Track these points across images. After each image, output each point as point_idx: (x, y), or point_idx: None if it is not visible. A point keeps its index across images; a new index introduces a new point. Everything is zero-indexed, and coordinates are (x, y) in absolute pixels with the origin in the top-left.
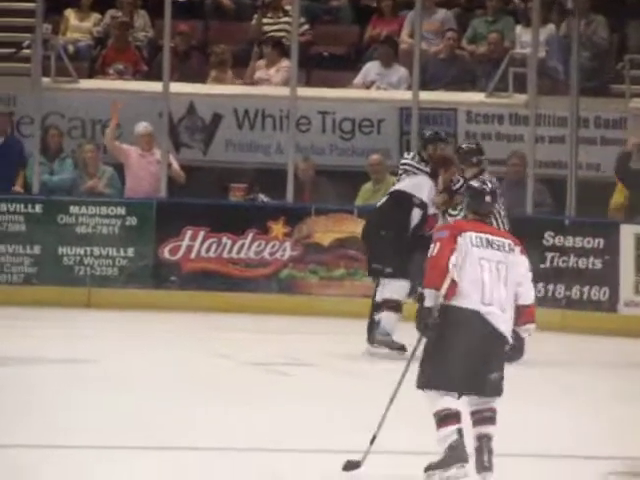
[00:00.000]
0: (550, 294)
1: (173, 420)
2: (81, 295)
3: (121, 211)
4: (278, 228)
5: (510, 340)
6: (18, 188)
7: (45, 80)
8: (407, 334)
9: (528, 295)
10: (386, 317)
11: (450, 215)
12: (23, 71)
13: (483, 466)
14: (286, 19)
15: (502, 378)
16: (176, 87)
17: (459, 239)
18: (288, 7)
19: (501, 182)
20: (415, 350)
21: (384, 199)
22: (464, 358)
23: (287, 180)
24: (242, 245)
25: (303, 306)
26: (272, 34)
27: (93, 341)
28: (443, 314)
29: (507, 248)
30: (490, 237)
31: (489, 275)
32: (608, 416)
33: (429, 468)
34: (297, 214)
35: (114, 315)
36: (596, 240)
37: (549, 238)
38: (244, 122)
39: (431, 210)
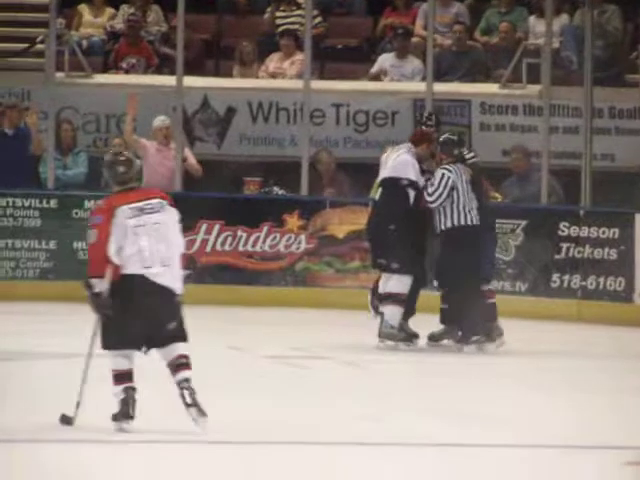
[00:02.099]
0: (566, 285)
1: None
2: None
3: None
4: (293, 221)
5: (179, 290)
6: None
7: (59, 75)
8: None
9: (177, 244)
10: (390, 311)
11: (428, 194)
12: (37, 66)
13: (188, 404)
14: (299, 12)
15: (181, 324)
16: (189, 81)
17: (114, 219)
18: (301, 0)
19: (511, 174)
20: (95, 334)
21: (380, 191)
22: (138, 318)
23: (301, 173)
24: (257, 238)
25: (319, 299)
26: (286, 27)
27: None
28: (115, 285)
29: (159, 207)
30: (141, 204)
31: (147, 239)
32: (624, 406)
33: (113, 419)
34: (312, 207)
35: None
36: (611, 230)
37: (564, 229)
38: (258, 115)
39: (421, 182)
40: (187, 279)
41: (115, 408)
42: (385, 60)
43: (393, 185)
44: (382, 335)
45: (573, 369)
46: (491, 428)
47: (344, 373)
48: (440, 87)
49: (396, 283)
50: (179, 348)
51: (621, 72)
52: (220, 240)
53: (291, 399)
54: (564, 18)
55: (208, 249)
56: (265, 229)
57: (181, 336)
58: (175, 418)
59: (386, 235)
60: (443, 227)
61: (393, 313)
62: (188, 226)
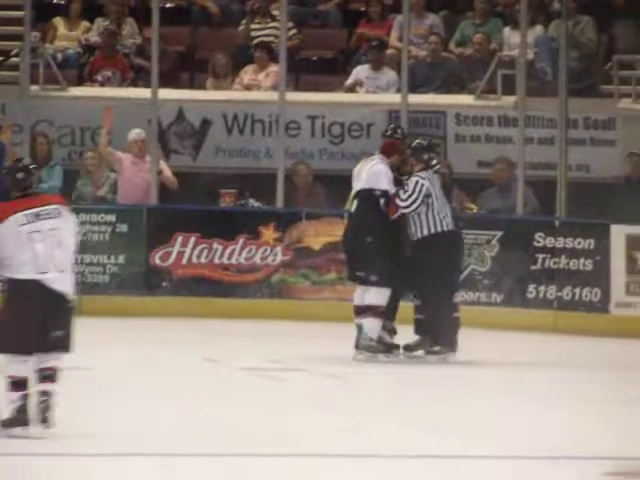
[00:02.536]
0: (542, 295)
1: (169, 426)
2: None
3: (111, 218)
4: (269, 233)
5: (72, 296)
6: None
7: (34, 88)
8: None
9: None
10: (370, 323)
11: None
12: (12, 79)
13: (42, 420)
14: (274, 24)
15: (68, 334)
16: (164, 93)
17: (3, 229)
18: (276, 12)
19: (490, 185)
20: None
21: (355, 203)
22: (29, 322)
23: (277, 185)
24: (233, 250)
25: (295, 311)
26: (260, 39)
27: (85, 348)
28: (11, 288)
29: (55, 213)
30: (38, 210)
31: (42, 245)
32: (600, 416)
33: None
34: (288, 219)
35: (106, 322)
36: (587, 241)
37: (540, 239)
38: (233, 127)
39: (392, 190)
40: (163, 290)
41: (7, 414)
42: (360, 72)
43: (368, 196)
44: (361, 347)
45: (550, 379)
46: (470, 439)
47: (321, 385)
48: (415, 98)
49: (375, 295)
50: (56, 358)
51: (595, 83)
52: (196, 252)
53: (269, 411)
54: (538, 29)
55: (184, 261)
56: (241, 241)
57: (64, 346)
58: (143, 429)
59: (364, 247)
60: (419, 235)
61: (372, 325)
62: (164, 238)
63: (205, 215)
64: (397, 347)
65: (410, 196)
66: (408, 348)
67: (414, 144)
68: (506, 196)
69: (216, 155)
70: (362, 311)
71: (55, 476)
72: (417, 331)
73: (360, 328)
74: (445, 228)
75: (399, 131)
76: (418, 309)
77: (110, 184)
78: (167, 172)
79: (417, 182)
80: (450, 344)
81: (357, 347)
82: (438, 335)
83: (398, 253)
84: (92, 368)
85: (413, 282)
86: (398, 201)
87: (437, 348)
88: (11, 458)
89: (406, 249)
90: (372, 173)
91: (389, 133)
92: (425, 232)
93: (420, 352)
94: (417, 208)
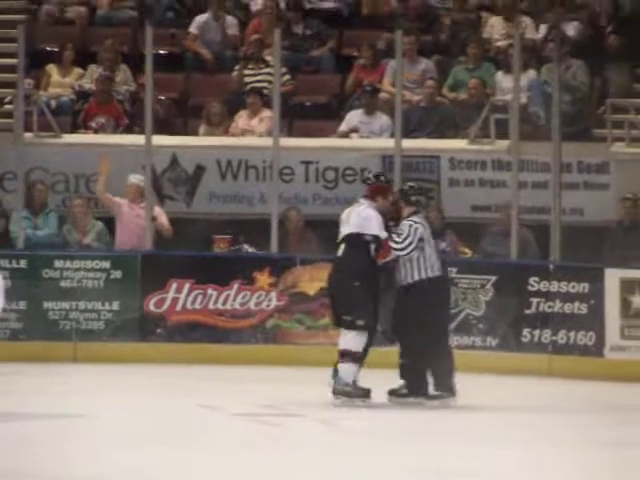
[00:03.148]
0: (536, 339)
1: (168, 473)
2: (67, 349)
3: (106, 264)
4: (263, 278)
5: None
6: None
7: (27, 135)
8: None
9: None
10: (346, 368)
11: (396, 242)
12: (5, 126)
13: None
14: (267, 70)
15: None
16: (158, 140)
17: None
18: (269, 58)
19: (486, 229)
20: None
21: (343, 247)
22: None
23: (271, 230)
24: (227, 296)
25: (290, 356)
26: (253, 85)
27: (81, 395)
28: None
29: None
30: None
31: None
32: (595, 461)
33: None
34: (282, 264)
35: (101, 369)
36: (581, 285)
37: (534, 283)
38: (227, 173)
39: (383, 235)
40: (158, 337)
41: None
42: (354, 117)
43: (357, 241)
44: (337, 392)
45: (544, 424)
46: None
47: (317, 430)
48: (409, 143)
49: (352, 340)
50: None
51: (589, 127)
52: (190, 298)
53: (264, 456)
54: (531, 73)
55: (178, 308)
56: (235, 287)
57: None
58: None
59: (351, 291)
60: (410, 280)
61: (349, 370)
62: (158, 285)
63: (199, 261)
64: (370, 391)
65: (405, 239)
66: (394, 393)
67: (404, 188)
68: (503, 242)
69: (210, 201)
70: (340, 355)
71: None
72: (403, 376)
73: (336, 373)
74: (434, 274)
75: (382, 178)
76: (403, 353)
77: (96, 232)
78: (163, 219)
79: (411, 226)
80: (449, 389)
81: (334, 392)
82: (436, 380)
83: (378, 299)
84: (87, 415)
85: (402, 327)
86: (393, 244)
87: (437, 393)
88: None
89: (387, 295)
90: (362, 218)
91: (371, 181)
92: (416, 277)
93: (419, 399)
94: (412, 251)
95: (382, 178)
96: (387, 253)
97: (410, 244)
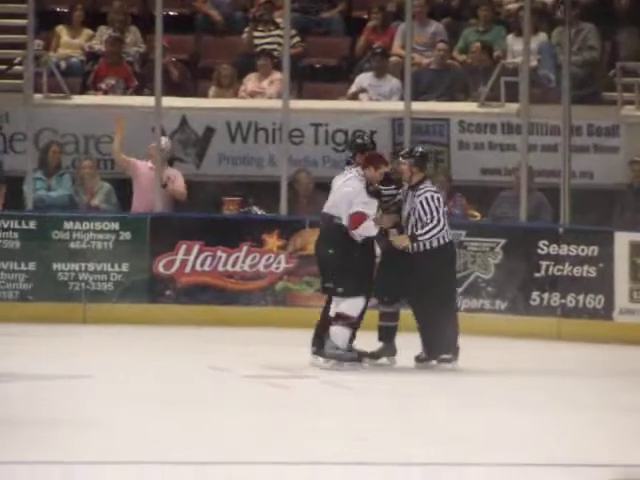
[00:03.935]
0: (545, 302)
1: (176, 434)
2: (77, 311)
3: (115, 226)
4: (272, 241)
5: None
6: None
7: (37, 96)
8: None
9: None
10: (336, 332)
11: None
12: (15, 88)
13: None
14: (277, 32)
15: None
16: (168, 101)
17: None
18: (279, 20)
19: (497, 193)
20: None
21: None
22: None
23: (281, 192)
24: (237, 258)
25: (299, 318)
26: (264, 47)
27: (90, 356)
28: None
29: None
30: None
31: None
32: (604, 424)
33: None
34: (291, 226)
35: (110, 330)
36: (590, 248)
37: (543, 247)
38: (237, 135)
39: (353, 210)
40: (167, 298)
41: None
42: (363, 79)
43: (329, 221)
44: (326, 355)
45: (553, 387)
46: (475, 448)
47: (326, 392)
48: (418, 106)
49: (345, 305)
50: None
51: (599, 90)
52: (199, 260)
53: (273, 418)
54: (542, 36)
55: (187, 270)
56: (245, 249)
57: None
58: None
59: (329, 259)
60: (428, 246)
61: (339, 334)
62: (167, 247)
63: (209, 223)
64: (365, 355)
65: (434, 216)
66: (417, 359)
67: (417, 152)
68: (515, 204)
69: (219, 163)
70: (332, 319)
71: None
72: (381, 338)
73: (327, 337)
74: (449, 238)
75: (367, 139)
76: (389, 317)
77: (104, 193)
78: (179, 182)
79: (432, 197)
80: (455, 352)
81: (323, 355)
82: (447, 344)
83: (371, 267)
84: (96, 376)
85: (418, 292)
86: (425, 229)
87: (448, 356)
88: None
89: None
90: (342, 194)
91: (369, 146)
92: (434, 243)
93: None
94: (445, 223)
95: (368, 141)
96: (356, 224)
97: (440, 218)
